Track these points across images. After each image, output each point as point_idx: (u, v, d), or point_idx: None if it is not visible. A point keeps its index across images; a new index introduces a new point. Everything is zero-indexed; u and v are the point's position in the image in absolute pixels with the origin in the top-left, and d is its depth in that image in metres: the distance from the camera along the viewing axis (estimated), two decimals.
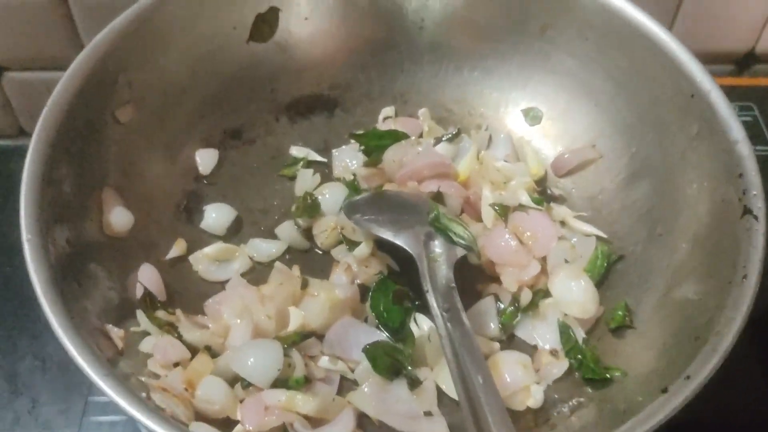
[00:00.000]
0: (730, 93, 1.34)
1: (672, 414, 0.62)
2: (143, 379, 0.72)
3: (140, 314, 0.80)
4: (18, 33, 1.13)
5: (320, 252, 0.95)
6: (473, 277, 0.90)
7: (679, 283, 0.80)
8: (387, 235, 0.85)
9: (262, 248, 0.94)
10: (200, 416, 0.74)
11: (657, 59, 0.90)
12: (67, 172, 0.80)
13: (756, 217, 0.74)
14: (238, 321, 0.83)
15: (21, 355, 0.99)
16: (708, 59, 1.42)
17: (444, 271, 0.80)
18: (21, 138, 1.28)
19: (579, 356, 0.82)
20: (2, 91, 1.21)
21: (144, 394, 0.68)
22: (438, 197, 0.94)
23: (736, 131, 0.80)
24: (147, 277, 0.85)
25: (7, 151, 1.22)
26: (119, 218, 0.86)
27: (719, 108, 0.83)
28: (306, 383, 0.79)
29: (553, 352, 0.83)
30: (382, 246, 0.90)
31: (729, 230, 0.76)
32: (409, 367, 0.82)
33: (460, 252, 0.84)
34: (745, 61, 1.46)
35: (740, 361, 0.94)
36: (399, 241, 0.84)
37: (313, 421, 0.78)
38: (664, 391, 0.64)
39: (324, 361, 0.84)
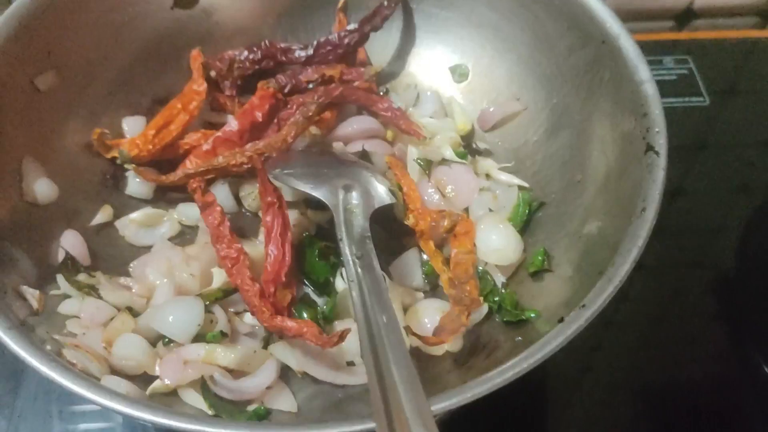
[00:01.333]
0: (668, 48, 1.38)
1: (566, 341, 0.63)
2: (57, 337, 0.73)
3: (60, 278, 0.81)
4: None
5: (249, 214, 0.96)
6: (398, 231, 0.92)
7: (587, 223, 0.82)
8: (305, 188, 0.85)
9: (190, 212, 0.94)
10: (117, 373, 0.74)
11: (570, 7, 0.92)
12: None
13: (657, 153, 0.75)
14: (165, 281, 0.83)
15: None
16: (648, 15, 1.45)
17: (360, 221, 0.81)
18: None
19: (497, 299, 0.83)
20: None
21: (49, 348, 0.69)
22: (364, 155, 0.95)
23: (643, 72, 0.82)
24: (70, 243, 0.85)
25: None
26: (43, 189, 0.86)
27: (627, 51, 0.84)
28: (225, 337, 0.80)
29: None
30: (311, 204, 0.91)
31: (633, 168, 0.77)
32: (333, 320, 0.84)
33: (377, 203, 0.85)
34: (684, 17, 1.48)
35: (707, 324, 1.00)
36: (317, 194, 0.84)
37: (237, 374, 0.79)
38: (561, 320, 0.66)
39: (248, 317, 0.84)
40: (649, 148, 0.76)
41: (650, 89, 0.80)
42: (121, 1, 0.97)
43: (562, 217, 0.88)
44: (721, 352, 0.99)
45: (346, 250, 0.77)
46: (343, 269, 0.84)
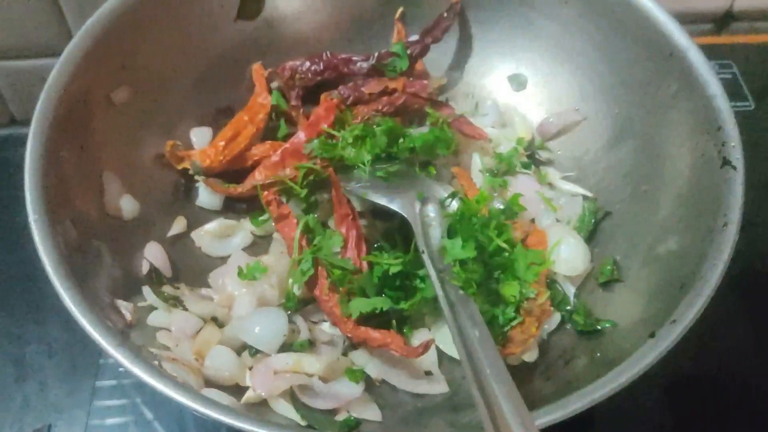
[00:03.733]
0: (710, 52, 1.37)
1: (660, 357, 0.65)
2: (154, 350, 0.75)
3: (146, 290, 0.83)
4: (6, 22, 1.14)
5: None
6: None
7: (663, 236, 0.83)
8: (382, 200, 0.87)
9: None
10: (210, 384, 0.77)
11: (635, 20, 0.93)
12: (67, 155, 0.82)
13: (734, 168, 0.77)
14: (244, 290, 0.85)
15: (27, 340, 1.02)
16: (687, 19, 1.45)
17: (437, 233, 0.83)
18: (12, 126, 1.28)
19: (569, 308, 0.85)
20: None
21: (156, 362, 0.71)
22: (428, 165, 0.97)
23: (714, 86, 0.83)
24: (153, 254, 0.87)
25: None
26: (127, 205, 0.89)
27: (697, 65, 0.85)
28: (310, 347, 0.82)
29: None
30: (378, 214, 0.93)
31: (709, 182, 0.79)
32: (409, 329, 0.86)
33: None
34: (724, 20, 1.49)
35: (729, 318, 1.01)
36: (394, 206, 0.86)
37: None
38: (652, 335, 0.68)
39: (327, 326, 0.87)
40: (726, 162, 0.78)
41: (723, 103, 0.82)
42: (189, 15, 0.99)
43: (630, 228, 0.90)
44: (749, 347, 1.00)
45: (429, 263, 0.79)
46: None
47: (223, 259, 0.93)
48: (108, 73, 0.91)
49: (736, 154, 0.78)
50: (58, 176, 0.80)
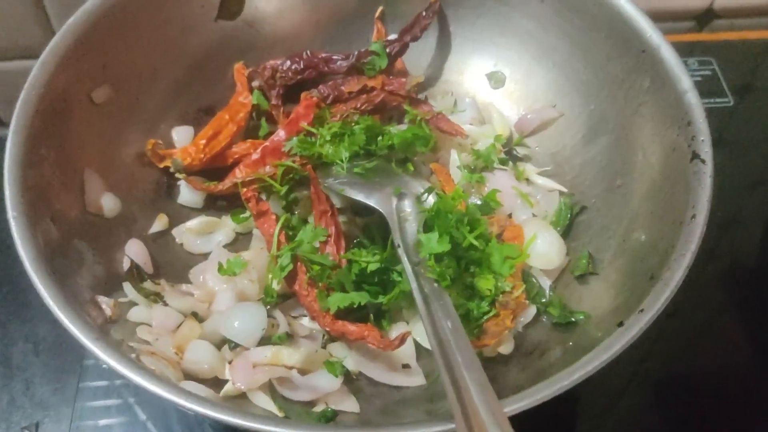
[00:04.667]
0: (691, 49, 1.40)
1: (627, 345, 0.67)
2: (133, 345, 0.76)
3: (127, 286, 0.84)
4: None
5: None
6: None
7: (635, 229, 0.85)
8: (359, 196, 0.88)
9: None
10: (190, 377, 0.78)
11: (609, 17, 0.94)
12: (47, 153, 0.83)
13: (703, 161, 0.78)
14: (224, 286, 0.87)
15: (13, 339, 1.02)
16: (668, 16, 1.48)
17: (414, 228, 0.84)
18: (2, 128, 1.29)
19: (544, 301, 0.87)
20: None
21: (134, 356, 0.72)
22: (407, 162, 0.98)
23: (685, 82, 0.85)
24: (134, 251, 0.88)
25: None
26: (108, 203, 0.90)
27: (668, 61, 0.87)
28: (289, 340, 0.83)
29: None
30: (358, 211, 0.94)
31: (679, 176, 0.80)
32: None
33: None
34: (705, 17, 1.51)
35: (718, 314, 1.03)
36: (371, 202, 0.88)
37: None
38: (620, 325, 0.69)
39: (306, 320, 0.88)
40: (695, 156, 0.79)
41: (693, 98, 0.83)
42: (169, 15, 1.00)
43: (605, 221, 0.91)
44: (738, 343, 1.02)
45: (404, 258, 0.81)
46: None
47: (204, 256, 0.94)
48: (88, 73, 0.92)
49: (705, 147, 0.80)
50: (38, 174, 0.80)
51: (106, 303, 0.78)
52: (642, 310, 0.69)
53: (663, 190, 0.83)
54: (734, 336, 1.02)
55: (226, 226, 0.97)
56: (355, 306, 0.83)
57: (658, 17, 1.42)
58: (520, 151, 1.04)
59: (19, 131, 0.80)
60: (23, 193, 0.77)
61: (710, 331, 1.03)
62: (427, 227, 0.84)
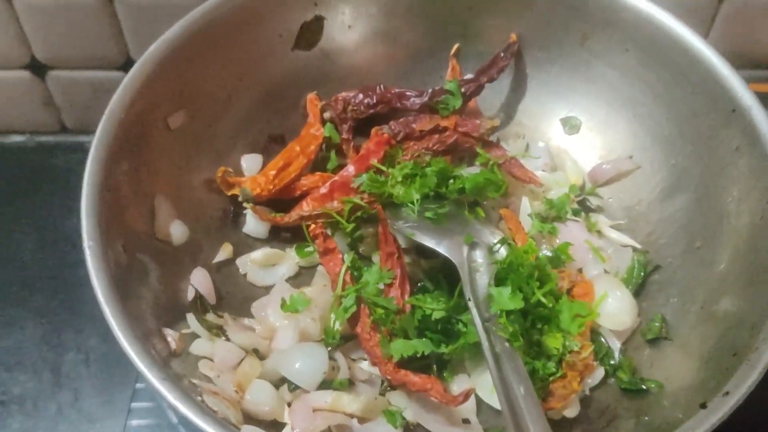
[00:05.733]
0: None
1: (711, 429, 0.63)
2: (195, 381, 0.75)
3: (191, 317, 0.84)
4: (63, 33, 1.16)
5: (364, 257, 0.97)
6: None
7: (718, 297, 0.81)
8: (430, 242, 0.87)
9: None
10: (249, 418, 0.77)
11: (698, 73, 0.91)
12: (123, 180, 0.83)
13: None
14: (285, 322, 0.86)
15: (65, 348, 1.03)
16: (747, 65, 1.43)
17: (485, 280, 0.82)
18: (63, 134, 1.31)
19: (613, 363, 0.84)
20: (46, 89, 1.25)
21: (199, 398, 0.71)
22: (476, 206, 0.96)
23: None
24: (199, 281, 0.88)
25: (49, 146, 1.27)
26: (177, 231, 0.90)
27: (760, 124, 0.84)
28: (349, 385, 0.82)
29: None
30: (423, 252, 0.92)
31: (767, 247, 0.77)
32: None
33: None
34: None
35: None
36: (441, 249, 0.86)
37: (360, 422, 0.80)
38: (703, 406, 0.66)
39: (365, 364, 0.86)
40: None
41: None
42: (248, 44, 0.99)
43: (681, 284, 0.88)
44: None
45: (475, 312, 0.78)
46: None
47: (267, 288, 0.94)
48: (166, 98, 0.92)
49: None
50: (113, 200, 0.81)
51: (171, 336, 0.78)
52: (727, 393, 0.65)
53: (748, 259, 0.79)
54: None
55: (290, 259, 0.96)
56: (418, 355, 0.81)
57: (746, 63, 1.38)
58: (593, 201, 1.01)
59: (98, 157, 0.80)
60: (99, 221, 0.77)
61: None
62: (498, 280, 0.82)
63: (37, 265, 1.13)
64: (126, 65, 1.20)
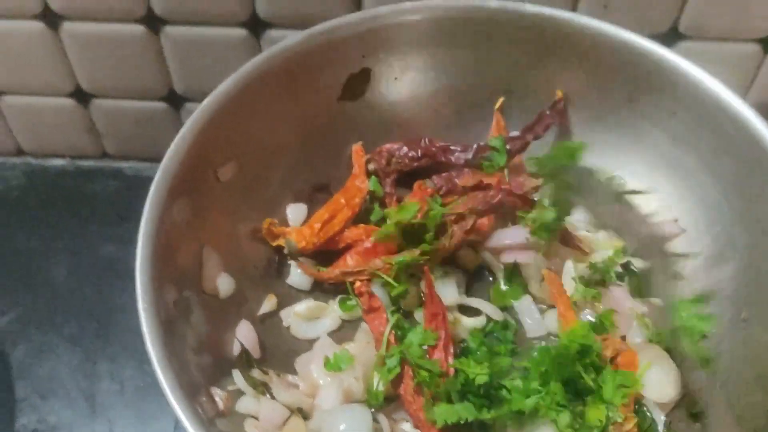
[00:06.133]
0: None
1: None
2: None
3: (237, 374, 0.84)
4: (108, 63, 1.18)
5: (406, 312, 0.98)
6: None
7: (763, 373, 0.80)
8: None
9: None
10: None
11: (748, 143, 0.90)
12: (175, 236, 0.84)
13: None
14: (329, 380, 0.86)
15: (99, 376, 1.04)
16: None
17: None
18: (103, 159, 1.33)
19: None
20: (89, 116, 1.27)
21: None
22: (515, 268, 0.96)
23: None
24: (244, 335, 0.88)
25: (90, 171, 1.28)
26: (224, 283, 0.90)
27: None
28: None
29: None
30: (465, 310, 0.93)
31: None
32: None
33: None
34: None
35: None
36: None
37: None
38: None
39: (408, 426, 0.86)
40: None
41: None
42: (295, 91, 1.00)
43: (727, 355, 0.87)
44: None
45: None
46: None
47: (310, 342, 0.94)
48: (218, 150, 0.93)
49: None
50: (165, 256, 0.82)
51: (219, 396, 0.79)
52: None
53: None
54: None
55: (333, 312, 0.97)
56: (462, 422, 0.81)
57: None
58: (638, 265, 1.01)
59: (152, 217, 0.81)
60: (152, 278, 0.78)
61: None
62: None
63: (71, 292, 1.14)
64: (169, 97, 1.22)
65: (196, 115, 0.90)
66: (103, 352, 1.08)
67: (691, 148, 0.98)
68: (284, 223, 1.03)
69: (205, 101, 0.92)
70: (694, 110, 0.95)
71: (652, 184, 1.03)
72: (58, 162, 1.32)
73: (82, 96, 1.24)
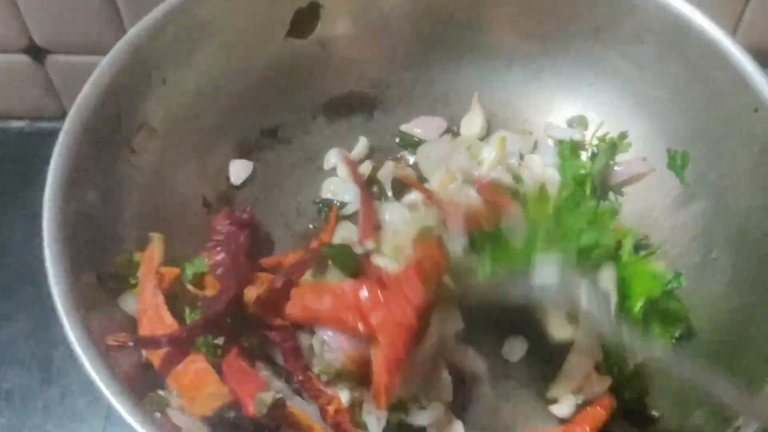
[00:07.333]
0: None
1: None
2: None
3: None
4: (62, 17, 1.12)
5: None
6: None
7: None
8: None
9: None
10: None
11: (719, 69, 0.84)
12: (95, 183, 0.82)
13: None
14: None
15: (55, 342, 1.00)
16: None
17: None
18: (64, 121, 1.28)
19: None
20: (46, 74, 1.21)
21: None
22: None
23: None
24: None
25: (49, 132, 1.22)
26: None
27: None
28: None
29: None
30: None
31: None
32: None
33: None
34: None
35: None
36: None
37: None
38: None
39: None
40: None
41: None
42: (238, 30, 0.94)
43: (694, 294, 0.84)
44: None
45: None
46: None
47: None
48: (147, 87, 0.88)
49: None
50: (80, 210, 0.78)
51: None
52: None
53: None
54: None
55: None
56: None
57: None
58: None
59: (65, 151, 0.76)
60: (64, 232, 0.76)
61: None
62: None
63: (28, 257, 1.10)
64: None
65: (116, 48, 0.85)
66: (54, 316, 1.04)
67: (660, 78, 0.92)
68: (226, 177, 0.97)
69: (130, 31, 0.86)
70: (663, 36, 0.89)
71: (620, 121, 0.97)
72: (17, 124, 1.27)
73: (36, 51, 1.18)
